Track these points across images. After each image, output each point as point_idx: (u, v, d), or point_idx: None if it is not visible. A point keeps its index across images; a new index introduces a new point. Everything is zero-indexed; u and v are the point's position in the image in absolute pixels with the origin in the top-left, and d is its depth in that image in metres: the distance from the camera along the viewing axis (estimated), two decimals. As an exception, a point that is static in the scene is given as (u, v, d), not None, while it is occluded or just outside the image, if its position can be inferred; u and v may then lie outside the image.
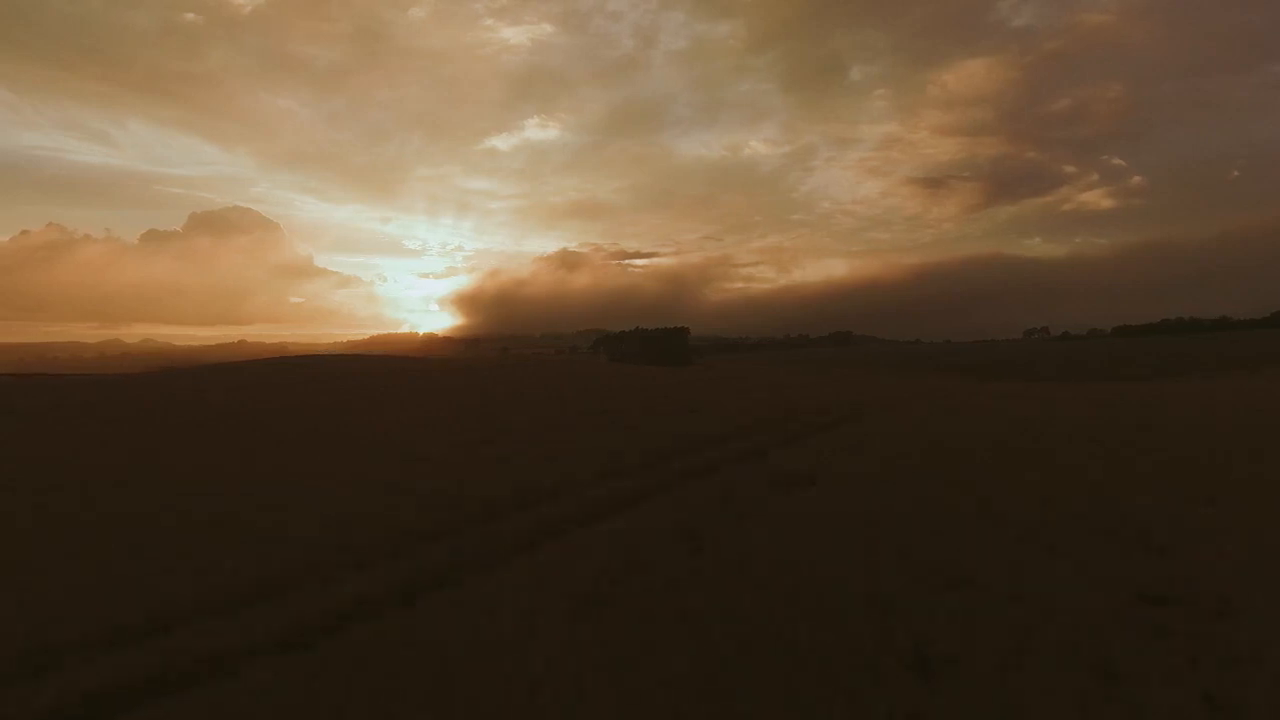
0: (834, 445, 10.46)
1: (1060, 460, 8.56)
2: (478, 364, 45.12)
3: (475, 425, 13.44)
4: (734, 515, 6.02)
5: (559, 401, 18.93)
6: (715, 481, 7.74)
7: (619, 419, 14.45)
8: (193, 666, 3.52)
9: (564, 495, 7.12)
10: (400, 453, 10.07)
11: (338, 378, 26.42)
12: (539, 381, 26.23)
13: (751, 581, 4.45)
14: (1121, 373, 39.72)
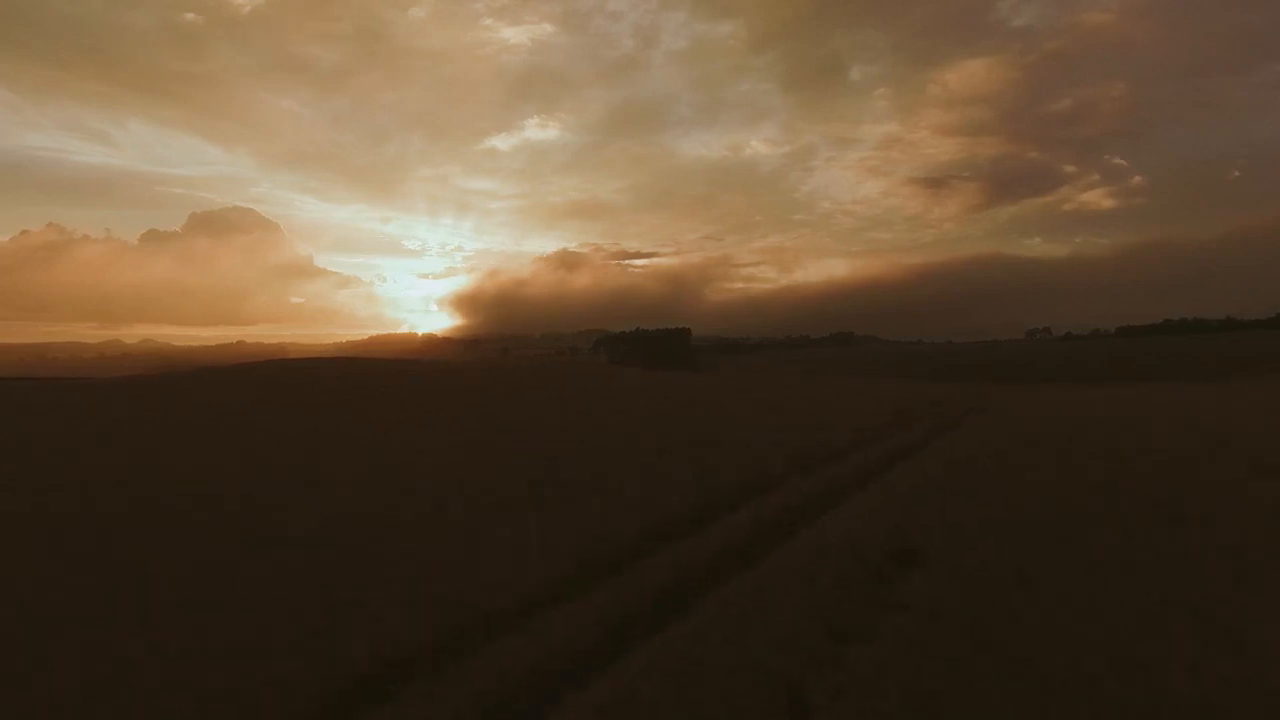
0: (925, 485, 8.07)
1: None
2: (476, 365, 45.12)
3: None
4: (830, 635, 3.92)
5: (561, 405, 18.90)
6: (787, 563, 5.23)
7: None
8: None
9: (575, 596, 4.50)
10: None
11: (338, 378, 26.39)
12: (539, 382, 26.23)
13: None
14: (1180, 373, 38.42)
